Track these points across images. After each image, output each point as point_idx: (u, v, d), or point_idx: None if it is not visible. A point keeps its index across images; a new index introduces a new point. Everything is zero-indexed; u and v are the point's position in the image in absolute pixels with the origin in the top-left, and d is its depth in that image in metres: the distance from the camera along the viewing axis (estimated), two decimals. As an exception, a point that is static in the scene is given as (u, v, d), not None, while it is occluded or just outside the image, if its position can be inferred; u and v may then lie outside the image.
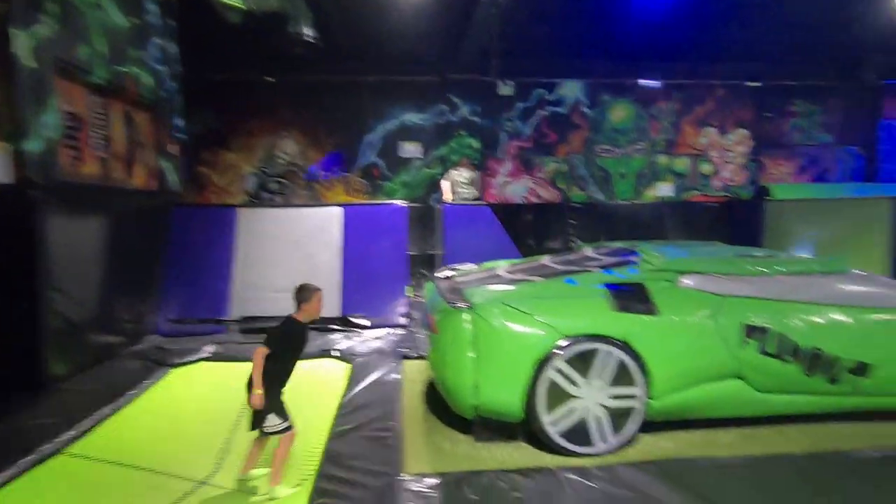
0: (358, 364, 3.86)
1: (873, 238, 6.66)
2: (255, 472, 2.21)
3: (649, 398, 2.33)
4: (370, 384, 3.39)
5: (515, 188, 9.57)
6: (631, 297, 2.39)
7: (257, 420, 2.18)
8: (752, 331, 2.40)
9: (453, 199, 7.14)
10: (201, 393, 3.33)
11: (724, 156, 10.04)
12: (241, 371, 3.62)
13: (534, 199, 9.54)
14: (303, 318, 2.36)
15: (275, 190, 9.30)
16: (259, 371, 2.20)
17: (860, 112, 10.36)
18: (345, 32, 8.34)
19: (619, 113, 9.69)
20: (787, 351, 2.40)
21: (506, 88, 9.28)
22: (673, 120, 9.81)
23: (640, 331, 2.32)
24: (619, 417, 2.30)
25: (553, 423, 2.26)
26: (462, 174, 7.27)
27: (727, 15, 8.17)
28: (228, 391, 3.27)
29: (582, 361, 2.28)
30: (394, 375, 3.51)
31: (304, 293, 2.37)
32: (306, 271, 4.98)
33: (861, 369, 2.44)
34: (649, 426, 2.47)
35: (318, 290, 2.34)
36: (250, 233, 5.11)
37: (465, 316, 2.39)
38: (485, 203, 6.26)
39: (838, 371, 2.43)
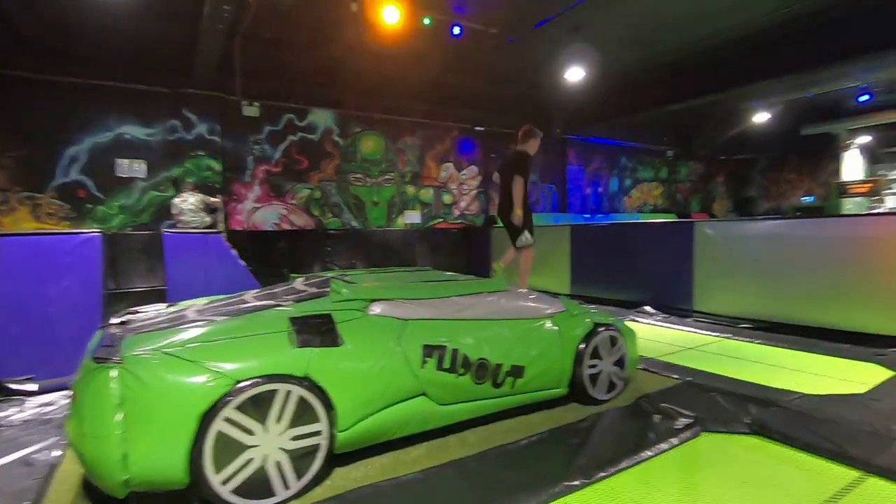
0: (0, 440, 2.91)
1: (561, 256, 8.40)
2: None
3: (336, 431, 2.29)
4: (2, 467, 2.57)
5: (265, 214, 9.06)
6: (315, 330, 2.34)
7: (513, 236, 3.39)
8: (430, 350, 2.61)
9: (180, 227, 6.27)
10: None
11: (461, 188, 11.55)
12: None
13: (286, 226, 9.21)
14: (530, 151, 3.61)
15: None
16: (520, 195, 3.42)
17: (555, 157, 13.28)
18: (34, 21, 6.65)
19: (369, 144, 10.21)
20: (460, 364, 2.69)
21: (251, 109, 8.80)
22: (418, 154, 10.84)
23: (324, 364, 2.28)
24: (302, 458, 2.19)
25: (224, 481, 2.01)
26: (188, 199, 6.46)
27: (458, 68, 9.48)
28: None
29: (259, 405, 2.10)
30: (50, 452, 2.74)
31: (529, 133, 3.82)
32: (-73, 328, 3.62)
33: (517, 371, 2.90)
34: (343, 458, 2.44)
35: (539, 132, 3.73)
36: None
37: (111, 373, 1.96)
38: (216, 231, 5.66)
39: (500, 375, 2.83)
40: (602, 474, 2.36)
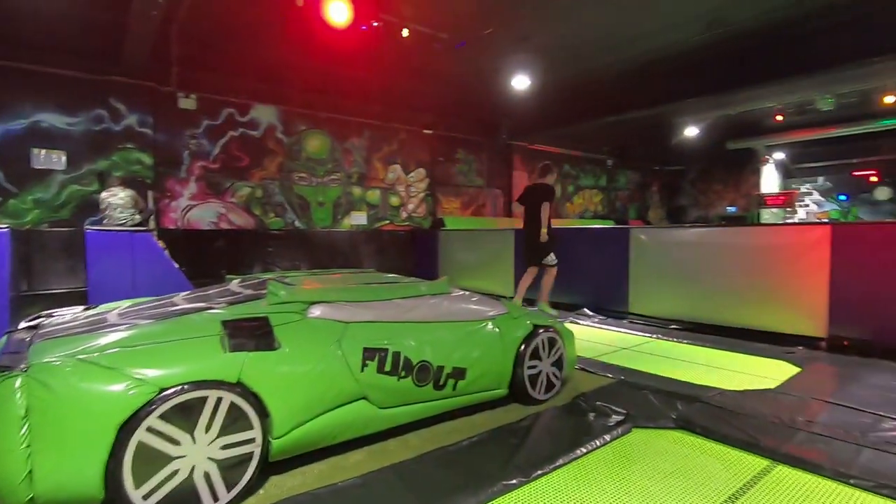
0: None
1: (506, 259, 8.56)
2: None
3: (271, 438, 2.20)
4: None
5: (202, 213, 8.62)
6: (249, 333, 2.25)
7: (539, 256, 4.10)
8: (371, 353, 2.58)
9: (107, 224, 5.84)
10: None
11: (408, 190, 11.52)
12: None
13: (225, 226, 8.80)
14: (550, 182, 4.26)
15: None
16: (548, 216, 4.11)
17: (501, 163, 13.54)
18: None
19: (315, 143, 9.97)
20: (401, 367, 2.67)
21: (188, 102, 8.35)
22: (365, 155, 10.71)
23: (258, 369, 2.19)
24: (233, 468, 2.09)
25: (146, 495, 1.88)
26: (118, 194, 6.04)
27: (407, 70, 9.46)
28: None
29: (186, 413, 1.99)
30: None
31: (546, 168, 4.58)
32: None
33: (459, 373, 2.92)
34: (279, 466, 2.36)
35: (555, 168, 4.24)
36: None
37: (15, 382, 1.79)
38: (145, 229, 5.30)
39: (442, 377, 2.84)
40: (539, 472, 2.41)
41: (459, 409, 3.06)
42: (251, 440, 2.14)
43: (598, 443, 2.75)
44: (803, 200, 16.44)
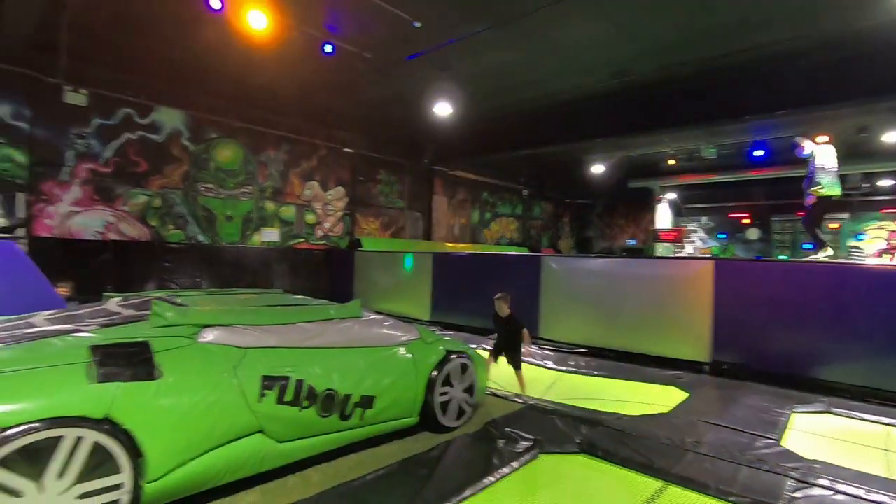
0: None
1: (424, 282, 8.52)
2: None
3: (144, 483, 1.92)
4: None
5: (86, 220, 7.67)
6: (123, 361, 1.97)
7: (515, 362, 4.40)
8: (271, 381, 2.37)
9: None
10: None
11: (325, 208, 11.16)
12: None
13: (114, 236, 7.90)
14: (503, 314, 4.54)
15: None
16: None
17: (422, 186, 13.62)
18: None
19: (227, 153, 9.35)
20: (304, 397, 2.48)
21: (76, 97, 7.48)
22: (281, 170, 10.24)
23: (132, 402, 1.91)
24: (93, 521, 1.78)
25: (-32, 563, 1.53)
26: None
27: (330, 86, 9.27)
28: None
29: (34, 457, 1.67)
30: None
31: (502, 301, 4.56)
32: None
33: (367, 402, 2.78)
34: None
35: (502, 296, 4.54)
36: None
37: None
38: (6, 236, 4.55)
39: (349, 407, 2.68)
40: (448, 504, 2.34)
41: (367, 439, 2.91)
42: (118, 486, 1.85)
43: (506, 470, 2.74)
44: (690, 237, 18.29)
